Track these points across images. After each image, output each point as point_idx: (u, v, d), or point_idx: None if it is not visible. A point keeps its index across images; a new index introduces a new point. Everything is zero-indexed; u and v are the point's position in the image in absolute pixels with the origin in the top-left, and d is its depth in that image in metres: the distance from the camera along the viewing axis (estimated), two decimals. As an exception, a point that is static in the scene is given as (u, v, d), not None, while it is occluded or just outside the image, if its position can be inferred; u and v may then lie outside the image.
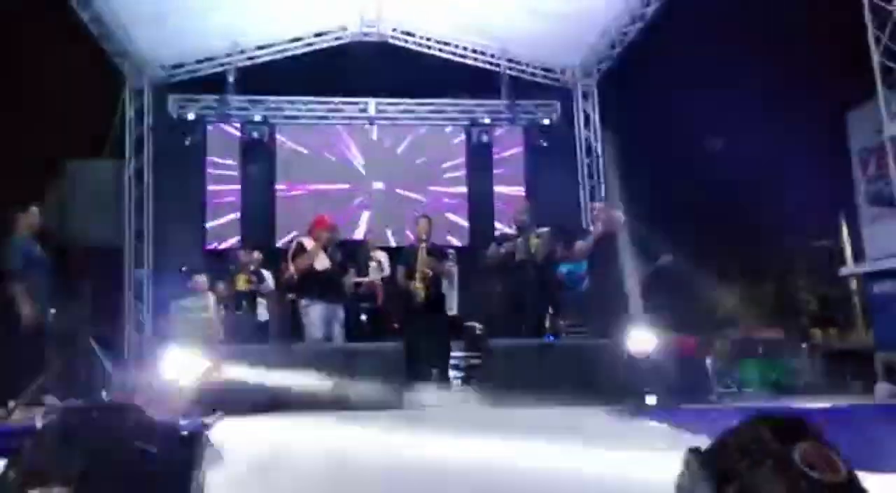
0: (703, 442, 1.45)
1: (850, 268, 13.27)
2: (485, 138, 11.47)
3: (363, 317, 7.90)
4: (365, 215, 11.18)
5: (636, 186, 7.49)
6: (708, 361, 7.12)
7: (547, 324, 7.76)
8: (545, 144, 11.25)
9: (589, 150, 11.16)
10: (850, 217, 12.92)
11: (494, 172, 11.58)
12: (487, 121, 11.48)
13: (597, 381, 5.64)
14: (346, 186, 11.37)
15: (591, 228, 7.29)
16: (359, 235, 10.45)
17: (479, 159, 11.56)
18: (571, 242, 6.91)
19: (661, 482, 2.32)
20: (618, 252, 6.48)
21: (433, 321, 6.92)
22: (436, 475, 3.03)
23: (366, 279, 7.90)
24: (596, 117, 11.12)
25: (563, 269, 8.27)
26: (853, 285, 13.97)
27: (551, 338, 7.69)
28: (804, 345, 10.83)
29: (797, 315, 15.74)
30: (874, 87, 6.05)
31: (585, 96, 11.22)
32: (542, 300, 7.18)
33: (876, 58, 5.94)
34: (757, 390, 7.78)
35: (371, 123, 11.64)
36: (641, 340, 5.74)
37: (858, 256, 12.55)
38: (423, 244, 6.90)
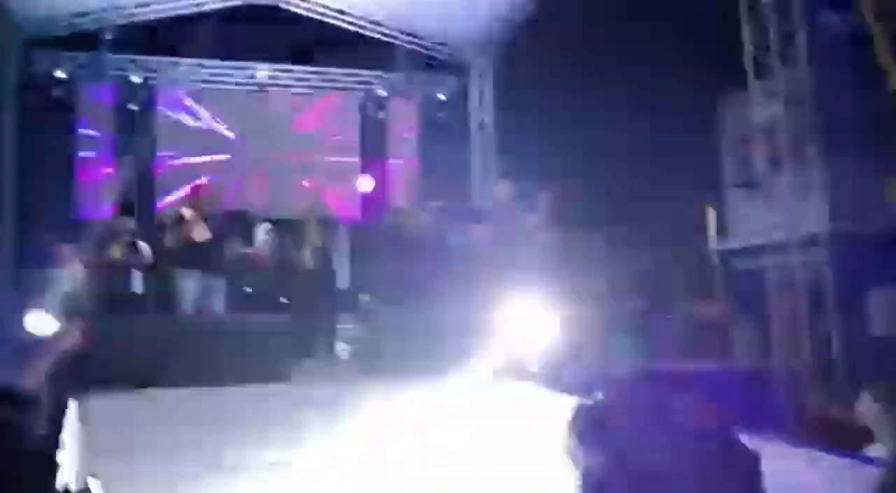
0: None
1: (714, 244, 14.39)
2: (380, 110, 11.34)
3: (247, 289, 7.65)
4: (252, 184, 10.78)
5: (530, 164, 7.70)
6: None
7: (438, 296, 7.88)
8: (441, 119, 11.28)
9: (482, 127, 11.31)
10: (717, 196, 13.94)
11: (389, 144, 11.49)
12: (383, 93, 11.35)
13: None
14: (231, 153, 10.91)
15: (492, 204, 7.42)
16: (245, 204, 10.06)
17: (374, 131, 11.43)
18: (465, 217, 7.02)
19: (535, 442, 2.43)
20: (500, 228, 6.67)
21: (322, 294, 6.83)
22: (319, 447, 3.01)
23: (251, 250, 7.65)
24: (490, 95, 11.26)
25: (454, 242, 8.39)
26: (716, 260, 15.16)
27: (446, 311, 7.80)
28: (669, 315, 11.54)
29: (664, 287, 16.87)
30: (746, 76, 6.51)
31: (481, 74, 11.33)
32: (435, 274, 7.27)
33: (749, 49, 6.40)
34: (628, 356, 8.26)
35: (261, 90, 11.18)
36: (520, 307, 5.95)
37: (722, 233, 13.62)
38: (313, 216, 6.78)
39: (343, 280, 8.47)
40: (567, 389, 4.57)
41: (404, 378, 5.19)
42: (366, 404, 4.57)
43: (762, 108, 6.49)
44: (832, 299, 5.90)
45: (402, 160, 11.51)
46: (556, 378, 5.76)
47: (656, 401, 1.41)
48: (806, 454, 2.36)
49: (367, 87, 11.44)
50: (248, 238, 7.65)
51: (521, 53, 10.52)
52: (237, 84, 11.16)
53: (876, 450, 1.71)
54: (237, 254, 7.32)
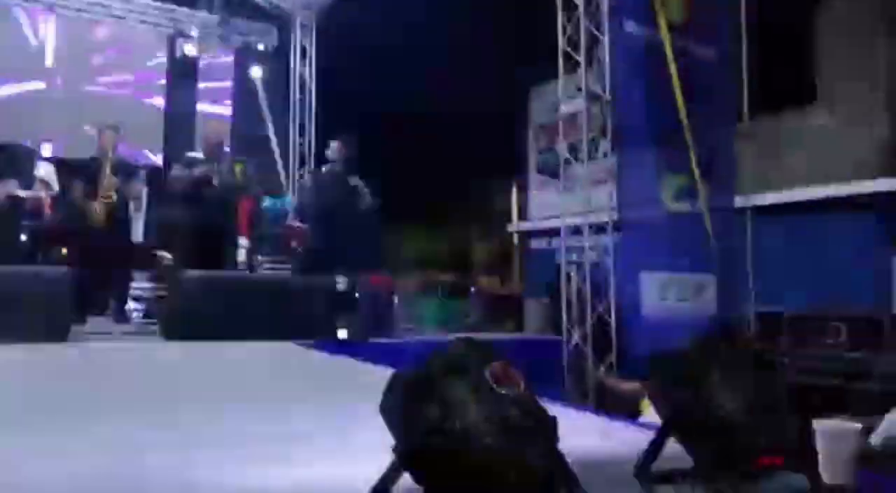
0: (387, 374, 1.56)
1: (515, 225, 15.38)
2: (191, 51, 10.44)
3: (23, 237, 6.73)
4: (36, 117, 9.43)
5: (347, 129, 7.59)
6: (395, 299, 7.66)
7: (242, 257, 7.55)
8: (258, 71, 10.70)
9: (303, 85, 10.91)
10: (521, 181, 14.89)
11: (199, 88, 10.66)
12: (195, 33, 10.46)
13: (292, 316, 5.68)
14: (14, 81, 9.45)
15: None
16: (25, 140, 8.80)
17: (183, 72, 10.52)
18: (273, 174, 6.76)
19: (347, 412, 2.46)
20: (331, 191, 6.56)
21: (113, 248, 6.20)
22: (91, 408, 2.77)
23: (28, 194, 6.72)
24: (313, 52, 10.88)
25: (267, 202, 8.09)
26: (516, 240, 16.24)
27: (247, 271, 7.52)
28: (473, 289, 12.23)
29: (469, 263, 17.79)
30: (555, 69, 6.96)
31: (303, 28, 10.89)
32: (239, 232, 6.95)
33: (561, 44, 6.83)
34: (433, 326, 8.62)
35: (51, 11, 9.77)
36: (341, 276, 5.93)
37: (523, 215, 14.62)
38: (108, 159, 6.10)
39: (138, 233, 7.78)
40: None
41: (206, 340, 4.94)
42: (158, 365, 4.30)
43: (567, 101, 6.98)
44: (613, 280, 6.59)
45: (213, 108, 10.79)
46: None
47: (471, 364, 1.48)
48: (586, 418, 2.64)
49: (178, 24, 10.50)
50: (27, 179, 6.70)
51: (343, 10, 10.27)
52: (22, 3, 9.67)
53: (648, 416, 1.96)
54: (9, 196, 6.39)
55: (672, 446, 1.72)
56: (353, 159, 6.94)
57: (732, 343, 1.78)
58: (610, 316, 6.50)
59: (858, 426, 1.89)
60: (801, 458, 1.67)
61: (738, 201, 7.38)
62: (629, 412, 4.18)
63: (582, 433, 2.23)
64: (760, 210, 7.74)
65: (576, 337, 6.61)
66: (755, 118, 7.81)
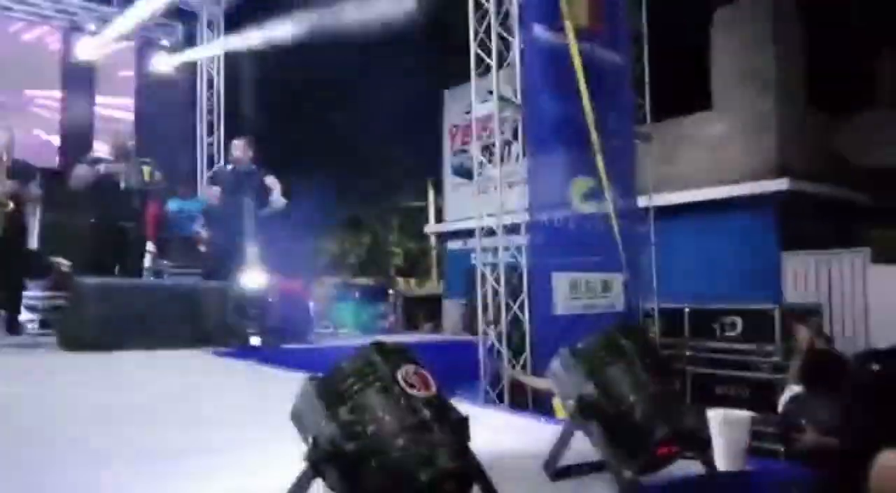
0: (301, 380, 1.55)
1: (431, 227, 15.48)
2: (89, 47, 9.90)
3: None
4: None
5: (259, 128, 7.41)
6: (310, 303, 7.54)
7: (148, 263, 7.25)
8: (163, 69, 10.27)
9: (210, 83, 10.56)
10: (436, 183, 15.00)
11: (98, 86, 10.13)
12: (93, 27, 9.93)
13: (202, 323, 5.51)
14: None
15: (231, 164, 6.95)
16: None
17: (80, 70, 9.96)
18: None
19: (260, 421, 2.41)
20: (238, 192, 6.37)
21: (6, 256, 5.81)
22: None
23: None
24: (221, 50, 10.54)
25: (174, 205, 7.78)
26: (432, 241, 16.34)
27: (153, 278, 7.23)
28: (390, 291, 12.21)
29: (386, 266, 17.74)
30: (468, 71, 7.05)
31: (210, 25, 10.54)
32: (145, 237, 6.67)
33: (473, 48, 6.93)
34: (350, 330, 8.54)
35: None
36: (252, 281, 5.78)
37: (440, 217, 14.74)
38: (3, 163, 5.72)
39: (33, 239, 7.30)
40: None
41: (107, 350, 4.71)
42: (53, 376, 4.06)
43: (480, 104, 7.08)
44: (525, 280, 6.74)
45: (114, 106, 10.28)
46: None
47: (382, 369, 1.49)
48: (502, 416, 2.70)
49: (73, 17, 9.94)
50: None
51: (252, 7, 10.02)
52: None
53: (561, 412, 2.03)
54: None
55: (580, 439, 1.79)
56: (259, 159, 6.77)
57: (634, 339, 1.87)
58: (524, 315, 6.64)
59: (750, 414, 2.02)
60: (697, 446, 1.78)
61: (642, 202, 7.73)
62: (542, 409, 4.30)
63: (494, 431, 2.29)
64: (662, 210, 8.13)
65: (491, 337, 6.71)
66: (656, 122, 8.20)
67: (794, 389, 2.41)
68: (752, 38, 9.28)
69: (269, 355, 5.00)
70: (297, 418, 1.52)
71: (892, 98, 9.43)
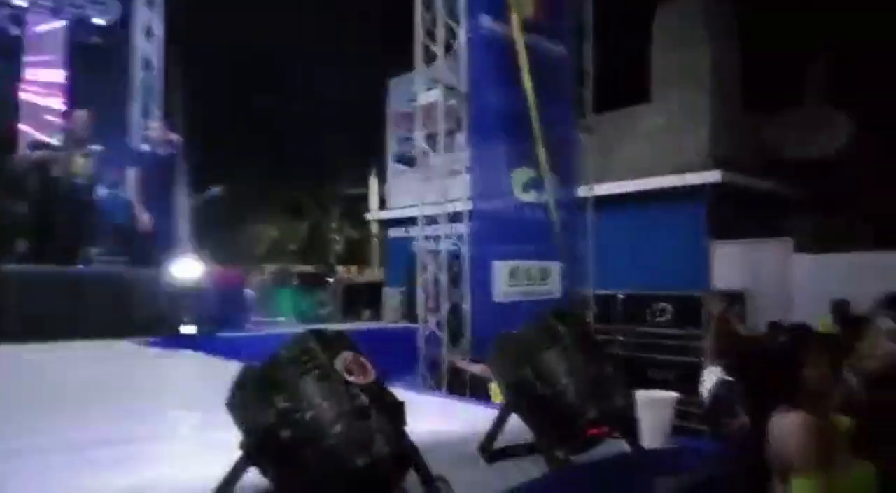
0: (237, 367, 1.54)
1: (374, 214, 15.40)
2: (13, 23, 9.33)
3: None
4: None
5: (196, 112, 7.20)
6: (247, 291, 7.41)
7: (78, 251, 6.96)
8: (96, 47, 9.77)
9: (147, 65, 10.14)
10: (379, 171, 14.91)
11: (25, 63, 9.58)
12: (21, 2, 9.37)
13: (134, 312, 5.35)
14: None
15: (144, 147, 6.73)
16: None
17: (4, 46, 9.39)
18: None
19: (196, 408, 2.37)
20: (168, 178, 6.18)
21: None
22: None
23: None
24: (160, 30, 10.12)
25: (103, 192, 7.47)
26: (374, 229, 16.26)
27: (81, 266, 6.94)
28: (330, 279, 12.11)
29: (327, 253, 17.59)
30: (413, 59, 7.02)
31: (150, 4, 10.10)
32: (75, 224, 6.40)
33: (419, 36, 6.90)
34: (289, 318, 8.44)
35: None
36: (186, 269, 5.64)
37: (382, 204, 14.67)
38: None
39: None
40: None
41: (27, 345, 4.52)
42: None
43: (424, 92, 7.07)
44: (467, 268, 6.80)
45: (42, 85, 9.77)
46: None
47: (320, 356, 1.49)
48: (440, 402, 2.73)
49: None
50: None
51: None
52: None
53: (497, 396, 2.07)
54: None
55: (515, 422, 1.84)
56: (185, 144, 6.57)
57: (568, 324, 1.93)
58: (464, 303, 6.70)
59: (674, 395, 2.11)
60: (625, 426, 1.86)
61: (582, 192, 7.89)
62: (481, 394, 4.37)
63: (432, 417, 2.32)
64: (600, 200, 8.33)
65: (431, 324, 6.75)
66: (598, 114, 8.37)
67: (712, 369, 2.53)
68: (690, 36, 9.56)
69: (203, 344, 4.90)
70: (233, 406, 1.51)
71: (818, 96, 9.89)
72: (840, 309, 5.86)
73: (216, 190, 6.44)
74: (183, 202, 6.05)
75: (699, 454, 2.03)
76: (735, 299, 7.57)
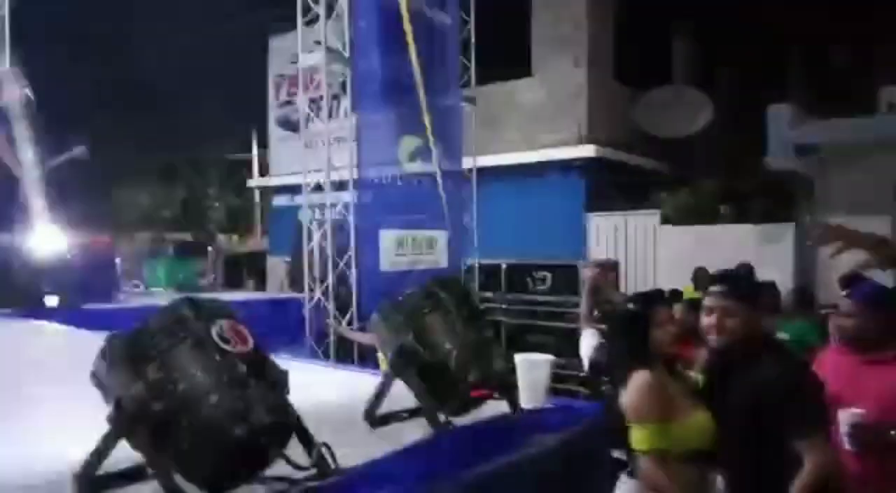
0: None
1: (256, 181, 14.82)
2: None
3: None
4: None
5: (57, 68, 6.56)
6: (117, 260, 6.97)
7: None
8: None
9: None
10: (261, 135, 14.34)
11: None
12: None
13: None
14: None
15: None
16: None
17: None
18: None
19: (60, 382, 2.21)
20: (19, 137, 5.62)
21: None
22: None
23: None
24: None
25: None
26: (257, 196, 15.68)
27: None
28: (210, 248, 11.63)
29: (205, 220, 16.82)
30: (295, 17, 6.75)
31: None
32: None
33: (299, -5, 6.64)
34: (165, 288, 8.03)
35: None
36: (47, 237, 5.21)
37: (265, 171, 14.15)
38: None
39: None
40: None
41: None
42: None
43: (307, 54, 6.83)
44: (353, 237, 6.73)
45: None
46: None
47: (195, 325, 1.43)
48: (326, 371, 2.72)
49: None
50: None
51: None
52: None
53: (385, 364, 2.08)
54: None
55: (399, 388, 1.86)
56: (39, 99, 5.99)
57: (451, 291, 1.96)
58: (351, 272, 6.65)
59: (551, 357, 2.22)
60: (504, 388, 1.93)
61: (466, 163, 8.00)
62: (369, 363, 4.37)
63: (318, 386, 2.30)
64: (484, 172, 8.49)
65: (317, 294, 6.66)
66: (481, 86, 8.47)
67: (588, 334, 2.69)
68: (569, 13, 9.82)
69: (68, 317, 4.57)
70: (99, 378, 1.42)
71: (684, 75, 10.53)
72: (699, 276, 6.33)
73: (81, 149, 5.94)
74: (37, 165, 5.54)
75: (574, 413, 2.14)
76: (608, 267, 8.01)
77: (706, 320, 2.13)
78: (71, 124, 6.15)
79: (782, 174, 7.91)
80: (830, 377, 2.71)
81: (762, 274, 6.50)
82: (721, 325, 2.09)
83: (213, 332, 1.42)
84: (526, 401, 2.00)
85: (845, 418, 2.33)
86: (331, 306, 6.53)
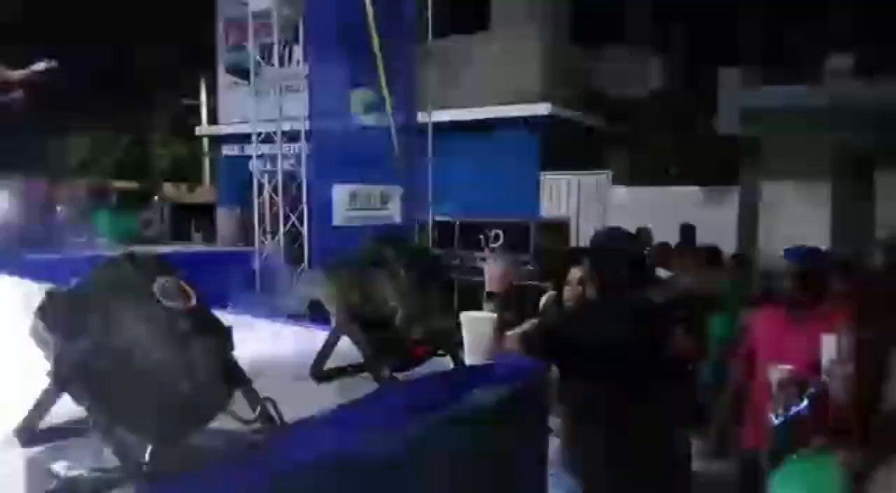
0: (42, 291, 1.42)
1: (204, 129, 14.40)
2: None
3: None
4: None
5: None
6: (59, 208, 6.74)
7: None
8: None
9: None
10: (210, 81, 13.86)
11: None
12: None
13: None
14: None
15: None
16: None
17: None
18: None
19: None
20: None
21: None
22: None
23: None
24: None
25: None
26: (205, 145, 15.25)
27: None
28: (156, 198, 11.32)
29: (151, 169, 16.31)
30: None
31: None
32: None
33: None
34: (108, 239, 7.81)
35: None
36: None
37: (214, 119, 13.74)
38: None
39: None
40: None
41: None
42: None
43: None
44: (305, 190, 6.65)
45: None
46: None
47: (135, 280, 1.42)
48: (275, 326, 2.72)
49: None
50: None
51: None
52: None
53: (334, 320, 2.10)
54: None
55: (345, 344, 1.88)
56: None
57: (398, 247, 1.97)
58: (303, 227, 6.59)
59: (494, 315, 2.27)
60: (449, 345, 1.97)
61: (421, 118, 7.93)
62: (319, 319, 4.37)
63: (265, 341, 2.30)
64: (440, 127, 8.43)
65: (268, 248, 6.60)
66: (437, 40, 8.34)
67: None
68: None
69: (6, 265, 4.41)
70: (38, 333, 1.40)
71: (635, 35, 10.56)
72: (642, 236, 6.50)
73: (50, 62, 5.61)
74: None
75: (516, 369, 2.21)
76: (559, 227, 8.15)
77: None
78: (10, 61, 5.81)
79: (730, 138, 8.11)
80: (762, 334, 2.86)
81: (706, 235, 6.72)
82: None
83: (155, 287, 1.41)
84: (470, 358, 2.05)
85: (775, 374, 2.47)
86: (282, 261, 6.48)
